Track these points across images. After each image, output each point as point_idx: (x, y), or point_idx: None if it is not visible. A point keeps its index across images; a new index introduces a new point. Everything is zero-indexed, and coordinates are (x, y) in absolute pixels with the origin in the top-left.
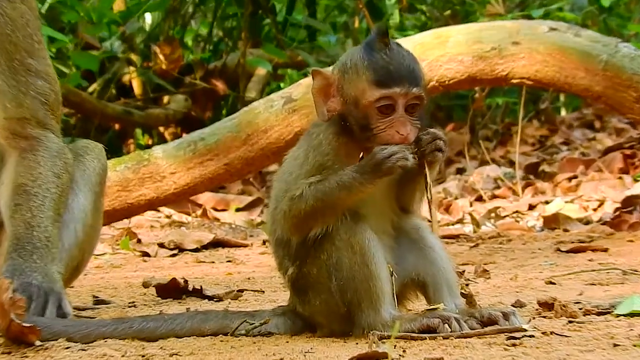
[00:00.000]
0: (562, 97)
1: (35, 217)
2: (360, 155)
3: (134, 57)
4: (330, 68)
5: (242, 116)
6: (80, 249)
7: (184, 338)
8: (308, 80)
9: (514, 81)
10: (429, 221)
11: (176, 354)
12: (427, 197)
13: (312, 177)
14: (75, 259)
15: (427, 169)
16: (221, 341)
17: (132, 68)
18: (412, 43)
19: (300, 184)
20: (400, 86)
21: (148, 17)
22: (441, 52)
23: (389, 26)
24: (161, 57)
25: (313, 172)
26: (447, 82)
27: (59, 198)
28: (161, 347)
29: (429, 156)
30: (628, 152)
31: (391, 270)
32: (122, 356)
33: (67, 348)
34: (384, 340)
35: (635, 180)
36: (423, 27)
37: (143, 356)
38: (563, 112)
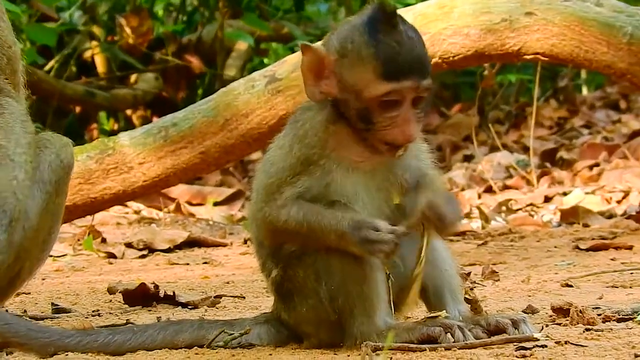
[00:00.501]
0: (583, 74)
1: None
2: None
3: (96, 30)
4: (322, 43)
5: (220, 98)
6: (19, 257)
7: (155, 351)
8: (295, 57)
9: (527, 57)
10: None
11: None
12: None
13: (300, 180)
14: (10, 268)
15: (426, 240)
16: (196, 354)
17: (94, 43)
18: (413, 14)
19: (290, 192)
20: (410, 80)
21: None
22: (445, 24)
23: (395, 4)
24: (128, 30)
25: (298, 167)
26: (451, 58)
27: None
28: None
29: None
30: None
31: (387, 273)
32: None
33: None
34: (379, 352)
35: None
36: None
37: None
38: (584, 91)
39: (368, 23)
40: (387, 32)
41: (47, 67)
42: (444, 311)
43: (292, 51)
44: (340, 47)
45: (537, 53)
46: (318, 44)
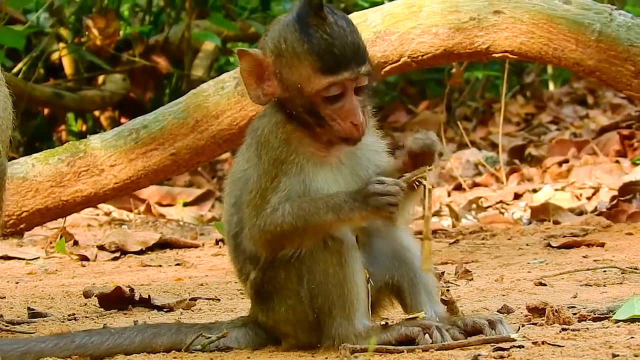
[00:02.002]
0: (549, 69)
1: None
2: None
3: (63, 32)
4: (259, 46)
5: (190, 100)
6: None
7: (133, 355)
8: None
9: (496, 55)
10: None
11: None
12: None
13: (280, 183)
14: None
15: (427, 198)
16: (174, 358)
17: (62, 44)
18: (381, 14)
19: (276, 199)
20: (349, 70)
21: None
22: (413, 23)
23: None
24: (95, 31)
25: (272, 170)
26: (420, 57)
27: None
28: None
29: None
30: (625, 132)
31: (367, 276)
32: None
33: None
34: (357, 353)
35: (634, 164)
36: None
37: None
38: (551, 86)
39: (297, 19)
40: (318, 26)
41: (15, 70)
42: (422, 312)
43: None
44: (274, 48)
45: (506, 51)
46: (254, 49)
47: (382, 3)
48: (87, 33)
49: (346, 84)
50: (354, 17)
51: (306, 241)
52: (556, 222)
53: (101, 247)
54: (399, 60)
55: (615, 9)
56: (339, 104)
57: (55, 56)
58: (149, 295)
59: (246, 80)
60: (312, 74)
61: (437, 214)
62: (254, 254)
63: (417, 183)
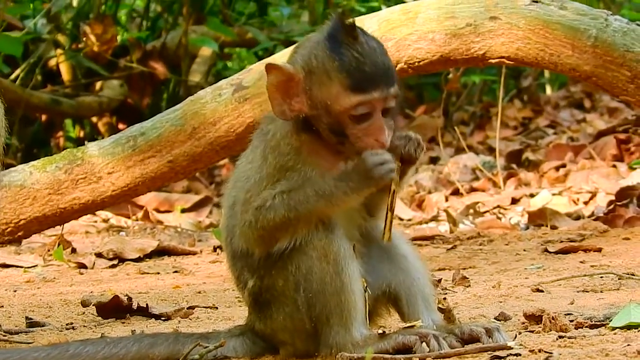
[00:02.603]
0: (546, 73)
1: None
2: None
3: (61, 38)
4: (288, 61)
5: (187, 107)
6: None
7: None
8: (261, 64)
9: (492, 61)
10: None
11: None
12: (388, 202)
13: (279, 184)
14: None
15: (396, 172)
16: None
17: (59, 51)
18: (378, 20)
19: (267, 193)
20: (378, 90)
21: None
22: (410, 29)
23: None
24: (92, 37)
25: (276, 175)
26: (417, 63)
27: None
28: None
29: (409, 159)
30: (622, 136)
31: (365, 284)
32: None
33: None
34: None
35: (631, 169)
36: None
37: None
38: (548, 90)
39: (329, 37)
40: (349, 45)
41: (12, 76)
42: (419, 320)
43: (257, 56)
44: (305, 64)
45: (502, 57)
46: (285, 63)
47: (380, 9)
48: (84, 39)
49: (375, 104)
50: None
51: (299, 231)
52: (553, 227)
53: (99, 255)
54: (395, 67)
55: (611, 14)
56: (366, 124)
57: (52, 62)
58: (147, 304)
59: (272, 94)
60: (341, 91)
61: (434, 219)
62: (250, 261)
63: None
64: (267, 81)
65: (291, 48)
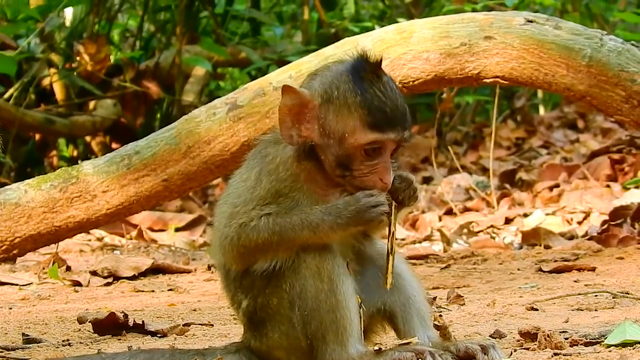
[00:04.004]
0: (540, 94)
1: None
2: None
3: (54, 57)
4: (303, 87)
5: (182, 125)
6: None
7: None
8: (255, 84)
9: (487, 80)
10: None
11: None
12: (387, 247)
13: (268, 207)
14: None
15: (394, 215)
16: None
17: (52, 70)
18: (372, 39)
19: (254, 212)
20: (395, 132)
21: (69, 12)
22: (404, 49)
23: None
24: (86, 56)
25: (268, 199)
26: (411, 82)
27: None
28: None
29: (406, 204)
30: (616, 156)
31: (360, 301)
32: None
33: None
34: None
35: (625, 189)
36: (382, 17)
37: None
38: (542, 111)
39: (352, 71)
40: (372, 82)
41: (6, 95)
42: (415, 337)
43: (250, 75)
44: (324, 93)
45: (497, 76)
46: (301, 89)
47: (373, 29)
48: (78, 58)
49: (388, 144)
50: (345, 42)
51: (279, 255)
52: (547, 247)
53: (94, 273)
54: None
55: (606, 34)
56: (374, 162)
57: (46, 82)
58: (143, 321)
59: (283, 117)
60: (359, 126)
61: (428, 238)
62: (244, 281)
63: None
64: (280, 103)
65: (285, 67)
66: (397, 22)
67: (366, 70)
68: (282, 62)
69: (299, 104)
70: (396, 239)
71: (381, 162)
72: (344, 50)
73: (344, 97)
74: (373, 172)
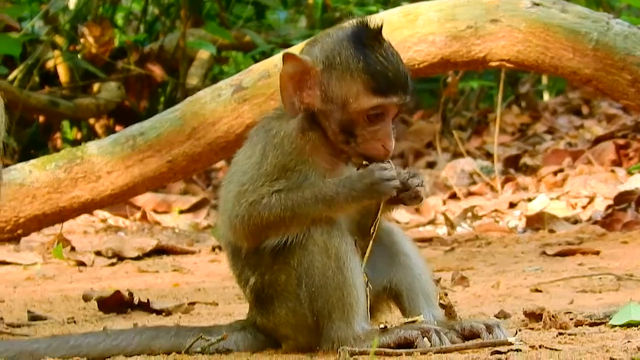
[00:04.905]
0: (544, 79)
1: None
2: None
3: (58, 39)
4: (303, 53)
5: (186, 107)
6: None
7: (133, 357)
8: (260, 65)
9: (493, 63)
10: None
11: None
12: (371, 231)
13: (277, 182)
14: None
15: (383, 203)
16: None
17: (57, 52)
18: None
19: (264, 190)
20: (397, 96)
21: None
22: (410, 32)
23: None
24: (90, 39)
25: (275, 174)
26: (417, 65)
27: None
28: None
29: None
30: (621, 141)
31: (367, 279)
32: None
33: None
34: (356, 356)
35: (629, 174)
36: (386, 1)
37: None
38: (546, 97)
39: (353, 37)
40: (374, 48)
41: (10, 77)
42: (421, 316)
43: (254, 59)
44: (326, 59)
45: (503, 60)
46: (303, 55)
47: (377, 11)
48: (82, 41)
49: (390, 108)
50: None
51: (291, 231)
52: (551, 231)
53: (98, 253)
54: None
55: (612, 17)
56: (377, 127)
57: (50, 64)
58: (148, 300)
59: (284, 84)
60: (362, 91)
61: (432, 222)
62: (251, 259)
63: None
64: (281, 70)
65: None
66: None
67: (367, 36)
68: (286, 46)
69: (300, 70)
70: (398, 223)
71: (383, 128)
72: None
73: (347, 62)
74: (376, 138)
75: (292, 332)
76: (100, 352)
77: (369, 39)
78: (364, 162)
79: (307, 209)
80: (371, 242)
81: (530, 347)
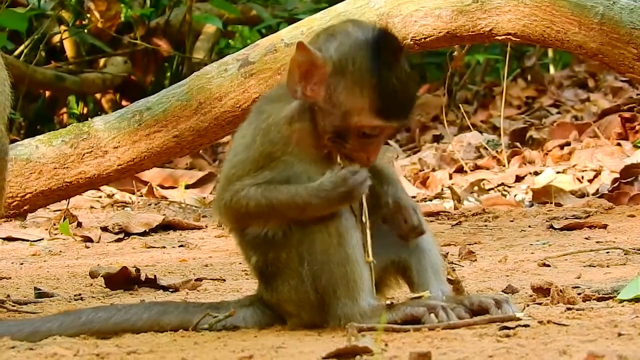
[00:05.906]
0: (550, 53)
1: None
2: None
3: (65, 14)
4: (317, 48)
5: (193, 82)
6: None
7: (141, 334)
8: (267, 40)
9: (499, 37)
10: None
11: (134, 352)
12: (363, 220)
13: (261, 174)
14: None
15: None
16: (182, 337)
17: (63, 27)
18: None
19: (248, 180)
20: (399, 121)
21: None
22: (416, 6)
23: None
24: (96, 14)
25: (260, 161)
26: (423, 40)
27: None
28: (117, 345)
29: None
30: (627, 114)
31: (370, 254)
32: (75, 355)
33: (12, 347)
34: (364, 332)
35: (636, 147)
36: None
37: (97, 355)
38: (552, 70)
39: (373, 47)
40: (391, 66)
41: (16, 52)
42: (427, 291)
43: (260, 33)
44: (339, 62)
45: (509, 34)
46: (316, 50)
47: None
48: (88, 16)
49: (387, 129)
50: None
51: (271, 224)
52: (558, 205)
53: (105, 229)
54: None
55: None
56: (369, 141)
57: (56, 39)
58: (155, 276)
59: (292, 69)
60: (366, 110)
61: (439, 196)
62: (252, 239)
63: None
64: (292, 55)
65: (297, 24)
66: None
67: (387, 49)
68: (292, 20)
69: (309, 62)
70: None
71: (375, 143)
72: (355, 7)
73: (359, 74)
74: (364, 149)
75: (296, 309)
76: (111, 327)
77: (388, 54)
78: (340, 162)
79: (282, 211)
80: (368, 231)
81: (538, 322)
